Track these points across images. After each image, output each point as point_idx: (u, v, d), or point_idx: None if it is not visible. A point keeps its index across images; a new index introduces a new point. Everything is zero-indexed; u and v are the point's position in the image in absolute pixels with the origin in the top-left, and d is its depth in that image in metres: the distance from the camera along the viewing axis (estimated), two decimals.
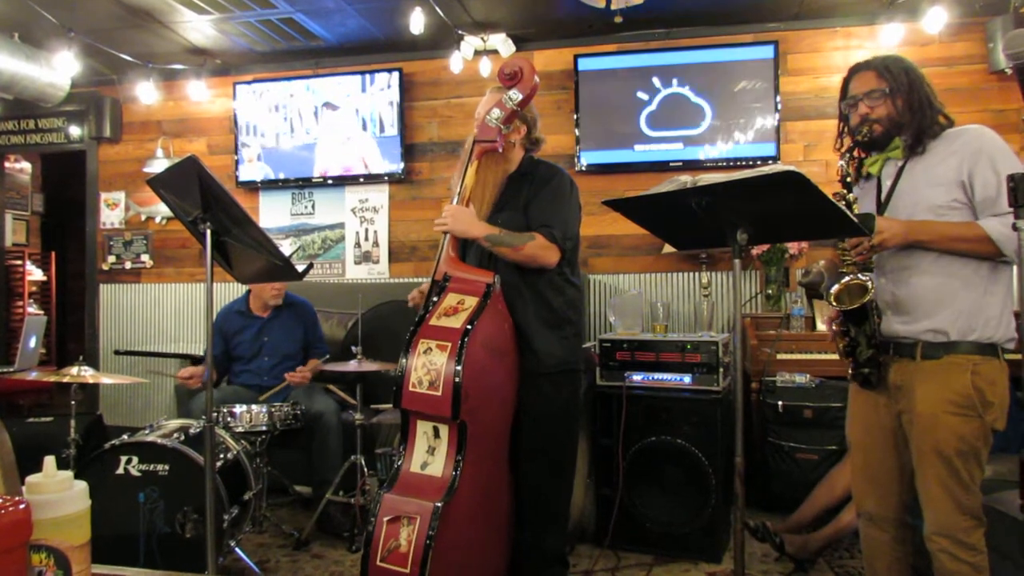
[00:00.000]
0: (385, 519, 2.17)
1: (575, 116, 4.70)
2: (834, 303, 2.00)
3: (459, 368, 2.19)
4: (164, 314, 5.46)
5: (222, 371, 3.85)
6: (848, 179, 2.03)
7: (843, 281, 1.99)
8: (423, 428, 2.31)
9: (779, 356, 3.80)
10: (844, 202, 1.99)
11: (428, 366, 2.24)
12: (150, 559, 2.69)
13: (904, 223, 1.96)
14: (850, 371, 2.10)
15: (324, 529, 3.47)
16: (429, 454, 2.29)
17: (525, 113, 2.59)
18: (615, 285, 4.73)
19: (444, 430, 2.27)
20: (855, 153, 2.11)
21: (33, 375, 3.92)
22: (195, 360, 3.95)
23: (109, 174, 5.61)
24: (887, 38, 4.28)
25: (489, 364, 2.35)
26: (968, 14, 4.25)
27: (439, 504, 2.14)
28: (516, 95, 2.48)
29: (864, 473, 2.15)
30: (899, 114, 2.02)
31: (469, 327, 2.26)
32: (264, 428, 3.27)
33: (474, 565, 2.36)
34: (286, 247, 5.15)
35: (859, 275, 1.97)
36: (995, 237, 1.87)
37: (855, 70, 2.11)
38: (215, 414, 3.16)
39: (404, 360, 2.28)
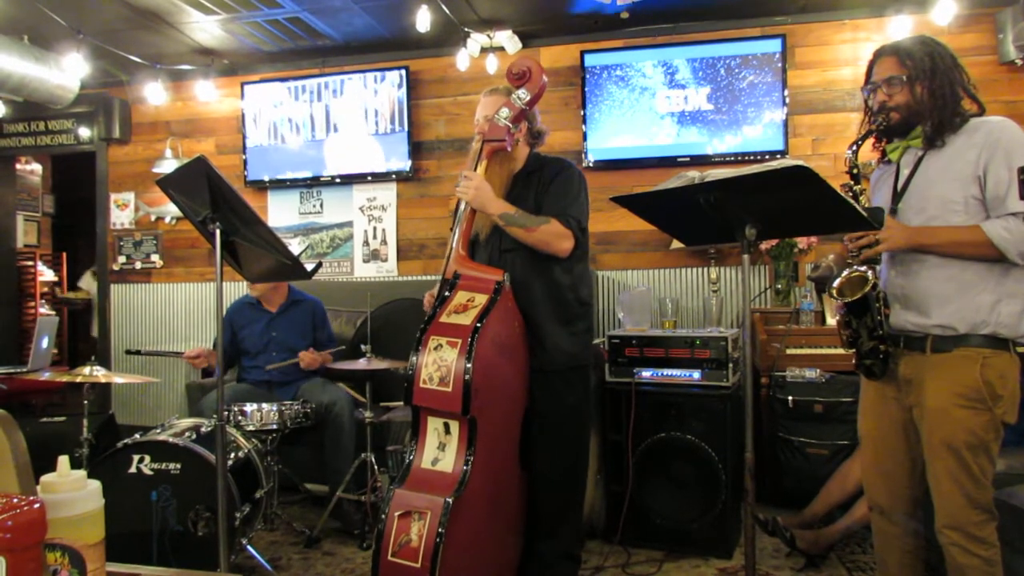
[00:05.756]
0: (396, 514, 2.18)
1: (582, 112, 4.70)
2: (836, 296, 2.00)
3: (469, 365, 2.20)
4: (174, 313, 5.49)
5: (229, 363, 3.87)
6: (855, 170, 2.01)
7: (845, 274, 2.00)
8: (434, 424, 2.32)
9: (789, 351, 3.79)
10: (851, 194, 1.99)
11: (439, 363, 2.25)
12: (163, 557, 2.71)
13: (908, 229, 1.95)
14: (854, 362, 2.10)
15: (336, 527, 3.49)
16: (440, 450, 2.30)
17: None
18: (623, 281, 4.72)
19: (455, 426, 2.28)
20: (870, 138, 2.08)
21: (46, 375, 3.95)
22: None
23: (119, 175, 5.64)
24: (896, 30, 4.25)
25: (499, 361, 2.36)
26: (977, 5, 4.21)
27: (450, 499, 2.15)
28: (524, 95, 2.49)
29: (875, 467, 2.15)
30: (918, 102, 1.97)
31: (479, 324, 2.27)
32: (275, 426, 3.29)
33: (484, 560, 2.37)
34: (295, 246, 5.16)
35: (859, 267, 1.97)
36: (997, 242, 1.85)
37: (879, 54, 2.06)
38: (226, 412, 3.18)
39: (414, 357, 2.29)
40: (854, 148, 2.03)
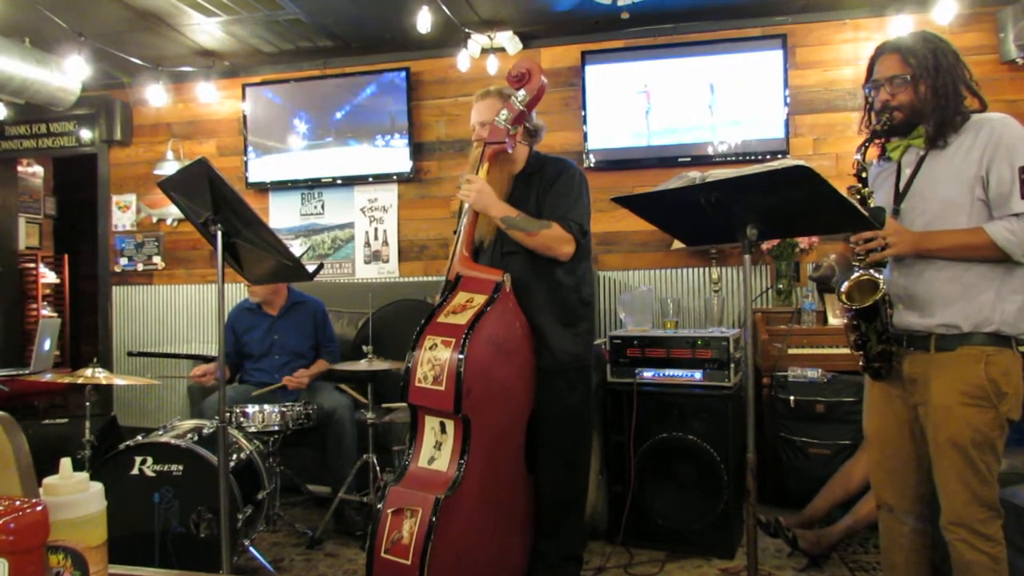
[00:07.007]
0: (389, 511, 2.19)
1: (583, 113, 4.70)
2: (845, 301, 1.99)
3: (461, 357, 2.21)
4: (176, 315, 5.49)
5: (234, 368, 3.87)
6: (863, 173, 2.00)
7: (853, 278, 1.97)
8: (431, 423, 2.34)
9: (790, 351, 3.78)
10: (859, 196, 1.96)
11: (433, 361, 2.27)
12: (165, 559, 2.71)
13: (914, 235, 1.94)
14: (861, 364, 2.09)
15: (338, 528, 3.48)
16: (436, 449, 2.31)
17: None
18: (625, 281, 4.72)
19: (450, 425, 2.29)
20: (875, 140, 2.07)
21: (48, 377, 3.95)
22: (207, 360, 3.97)
23: (120, 177, 5.64)
24: (896, 30, 4.25)
25: (495, 361, 2.36)
26: (978, 4, 4.21)
27: (441, 496, 2.15)
28: (524, 96, 2.50)
29: (881, 465, 2.14)
30: (921, 101, 1.95)
31: (474, 323, 2.28)
32: (277, 428, 3.29)
33: (481, 560, 2.36)
34: (296, 247, 5.16)
35: (870, 271, 1.95)
36: (1001, 244, 1.84)
37: (881, 51, 2.03)
38: (228, 414, 3.18)
39: (411, 356, 2.31)
40: (862, 150, 2.01)
